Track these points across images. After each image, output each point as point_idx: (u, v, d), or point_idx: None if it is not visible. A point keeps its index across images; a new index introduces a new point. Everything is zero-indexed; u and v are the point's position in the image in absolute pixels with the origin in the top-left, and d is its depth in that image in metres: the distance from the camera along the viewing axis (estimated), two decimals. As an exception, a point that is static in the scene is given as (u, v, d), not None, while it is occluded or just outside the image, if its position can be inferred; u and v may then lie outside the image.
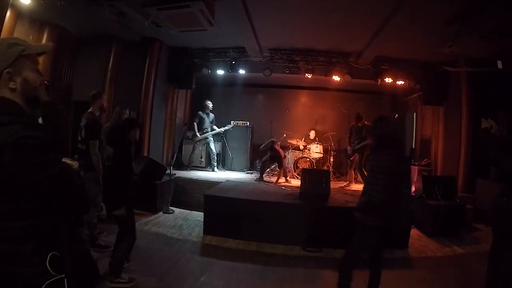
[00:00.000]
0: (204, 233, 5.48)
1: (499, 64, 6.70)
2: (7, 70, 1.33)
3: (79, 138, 4.68)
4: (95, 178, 4.43)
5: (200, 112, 9.13)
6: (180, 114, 9.75)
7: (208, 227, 5.49)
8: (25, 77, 1.38)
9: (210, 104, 9.16)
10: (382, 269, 3.28)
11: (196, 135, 8.91)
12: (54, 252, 1.30)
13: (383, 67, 8.74)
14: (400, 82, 8.90)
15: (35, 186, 1.26)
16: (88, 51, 7.39)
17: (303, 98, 11.40)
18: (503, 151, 2.98)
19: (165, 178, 6.91)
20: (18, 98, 1.36)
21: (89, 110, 4.74)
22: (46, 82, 1.51)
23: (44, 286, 1.26)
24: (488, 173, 6.72)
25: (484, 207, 6.54)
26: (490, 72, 7.11)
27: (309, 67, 8.70)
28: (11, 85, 1.34)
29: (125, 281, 3.63)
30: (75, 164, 4.96)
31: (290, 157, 9.63)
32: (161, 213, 6.59)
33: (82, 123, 4.64)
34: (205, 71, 8.95)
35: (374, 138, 3.30)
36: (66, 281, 1.32)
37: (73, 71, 7.22)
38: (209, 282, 3.92)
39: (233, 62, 8.79)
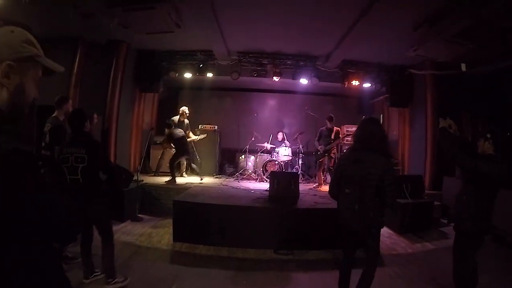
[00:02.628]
0: (174, 240, 5.35)
1: (463, 67, 7.06)
2: (9, 62, 1.13)
3: (43, 144, 4.49)
4: (63, 181, 4.27)
5: (174, 118, 8.68)
6: (147, 118, 9.53)
7: (178, 233, 5.37)
8: (23, 83, 1.18)
9: (186, 109, 8.77)
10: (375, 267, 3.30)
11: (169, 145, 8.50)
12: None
13: (350, 70, 8.98)
14: (366, 85, 9.18)
15: (18, 210, 1.10)
16: (53, 52, 6.80)
17: (271, 101, 11.49)
18: (460, 149, 3.12)
19: (133, 184, 6.72)
20: (4, 101, 1.13)
21: (53, 115, 4.57)
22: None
23: None
24: (454, 170, 6.99)
25: (451, 203, 6.84)
26: (454, 75, 7.43)
27: (277, 70, 8.76)
28: (5, 81, 1.12)
29: (121, 281, 3.75)
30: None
31: (258, 160, 9.65)
32: (129, 221, 6.40)
33: (47, 128, 4.46)
34: (172, 74, 8.81)
35: (358, 140, 3.29)
36: None
37: None
38: (179, 291, 3.84)
39: (201, 65, 8.72)
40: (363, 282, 3.18)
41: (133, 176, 6.81)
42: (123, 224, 6.17)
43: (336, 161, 8.38)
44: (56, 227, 1.19)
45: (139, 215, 6.65)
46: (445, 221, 6.92)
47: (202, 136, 9.05)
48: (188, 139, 8.67)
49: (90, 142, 3.67)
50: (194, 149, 9.37)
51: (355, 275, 3.26)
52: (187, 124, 8.87)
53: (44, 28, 6.35)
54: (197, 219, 5.36)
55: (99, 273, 3.83)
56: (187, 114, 8.82)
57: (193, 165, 8.62)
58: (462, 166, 3.25)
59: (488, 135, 3.22)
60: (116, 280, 3.71)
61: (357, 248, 3.32)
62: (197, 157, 9.39)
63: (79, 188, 3.46)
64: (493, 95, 7.55)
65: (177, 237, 5.37)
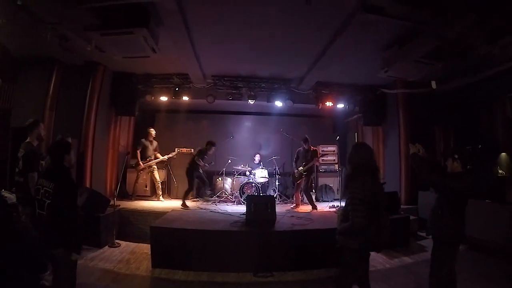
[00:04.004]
0: (152, 267, 5.27)
1: (433, 84, 7.38)
2: None
3: (17, 170, 4.42)
4: (33, 213, 4.16)
5: (143, 140, 8.89)
6: (123, 142, 9.44)
7: (156, 259, 5.31)
8: None
9: (153, 131, 8.99)
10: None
11: (139, 164, 8.67)
12: None
13: (324, 92, 9.26)
14: (340, 105, 9.45)
15: None
16: (29, 73, 6.92)
17: (247, 123, 11.60)
18: (432, 171, 3.46)
19: (109, 210, 6.61)
20: None
21: (26, 140, 4.50)
22: None
23: None
24: (428, 185, 7.27)
25: (427, 217, 7.07)
26: (425, 92, 7.81)
27: (252, 93, 8.95)
28: None
29: None
30: (12, 197, 4.65)
31: (235, 182, 9.71)
32: (106, 247, 6.24)
33: (20, 154, 4.39)
34: (148, 97, 8.83)
35: (352, 165, 3.38)
36: None
37: (12, 94, 6.76)
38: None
39: (177, 89, 8.78)
40: None
41: (109, 201, 6.72)
42: (100, 250, 6.02)
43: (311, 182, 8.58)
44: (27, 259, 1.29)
45: (116, 240, 6.49)
46: (423, 234, 7.06)
47: (171, 155, 9.11)
48: (157, 160, 8.85)
49: (62, 179, 3.32)
50: (170, 172, 9.33)
51: None
52: (155, 145, 9.00)
53: (21, 48, 6.37)
54: (175, 244, 5.33)
55: None
56: (154, 135, 9.00)
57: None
58: (436, 187, 3.61)
59: (456, 156, 3.58)
60: None
61: None
62: (174, 180, 9.34)
63: (44, 224, 3.19)
64: (462, 109, 7.98)
65: (155, 263, 5.29)
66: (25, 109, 6.57)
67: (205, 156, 8.58)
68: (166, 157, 9.02)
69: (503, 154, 6.40)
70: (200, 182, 8.79)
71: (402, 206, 7.67)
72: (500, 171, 6.29)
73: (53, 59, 7.00)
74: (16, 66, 6.75)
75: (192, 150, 9.72)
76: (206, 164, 8.63)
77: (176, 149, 9.37)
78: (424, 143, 3.93)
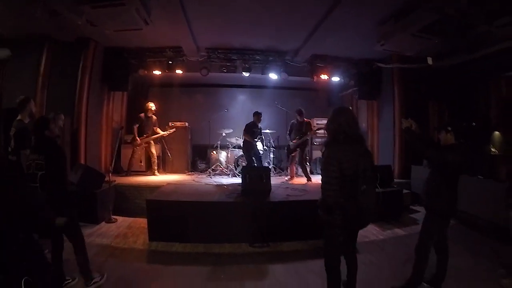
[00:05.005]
0: (149, 240, 5.34)
1: (429, 60, 7.37)
2: None
3: (9, 149, 4.40)
4: None
5: (141, 115, 8.78)
6: (117, 117, 9.36)
7: (153, 233, 5.37)
8: None
9: (152, 105, 8.84)
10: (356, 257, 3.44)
11: (136, 139, 8.61)
12: (26, 278, 1.26)
13: (319, 65, 9.15)
14: (335, 79, 9.40)
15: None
16: (19, 52, 6.70)
17: (241, 97, 11.53)
18: (426, 144, 3.51)
19: (105, 186, 6.62)
20: None
21: (17, 118, 4.46)
22: None
23: None
24: (421, 160, 7.33)
25: (419, 191, 7.18)
26: (420, 67, 7.77)
27: (246, 65, 8.83)
28: None
29: (98, 280, 3.82)
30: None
31: (230, 155, 9.74)
32: (103, 223, 6.29)
33: (12, 132, 4.36)
34: (141, 71, 8.69)
35: (330, 130, 3.09)
36: None
37: (3, 74, 6.60)
38: (159, 290, 3.87)
39: (170, 62, 8.64)
40: (355, 269, 3.41)
41: (104, 177, 6.73)
42: (97, 226, 6.08)
43: (305, 155, 8.62)
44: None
45: (113, 216, 6.54)
46: (415, 208, 7.24)
47: (171, 131, 9.08)
48: (156, 135, 8.80)
49: (50, 148, 3.54)
50: (165, 146, 9.33)
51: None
52: (154, 120, 8.90)
53: (10, 26, 6.18)
54: (171, 217, 5.36)
55: (70, 280, 3.78)
56: (154, 110, 8.85)
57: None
58: (430, 159, 3.64)
59: (449, 128, 3.58)
60: (94, 280, 3.76)
61: None
62: (169, 155, 9.35)
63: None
64: (458, 87, 7.95)
65: (152, 236, 5.36)
66: (16, 88, 6.44)
67: (255, 130, 8.49)
68: (166, 133, 8.97)
69: (496, 132, 6.45)
70: (256, 161, 8.53)
71: (395, 180, 7.73)
72: (492, 149, 6.35)
73: (44, 36, 6.83)
74: (5, 46, 6.54)
75: (187, 123, 9.70)
76: (256, 140, 8.52)
77: (170, 123, 9.33)
78: (418, 118, 3.96)
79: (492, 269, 4.26)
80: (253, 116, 8.56)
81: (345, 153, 2.91)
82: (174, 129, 9.15)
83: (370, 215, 3.03)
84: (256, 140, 8.50)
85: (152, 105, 8.83)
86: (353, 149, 2.95)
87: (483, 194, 5.81)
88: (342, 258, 3.24)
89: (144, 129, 8.73)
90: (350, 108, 3.60)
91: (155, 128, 8.88)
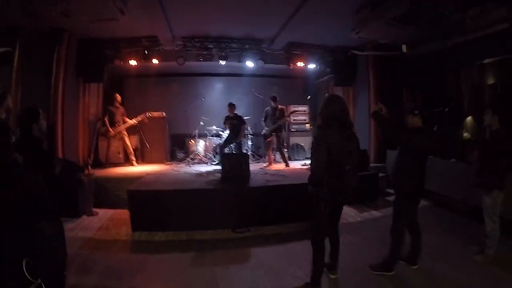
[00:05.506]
0: (132, 230, 5.36)
1: (404, 48, 7.53)
2: None
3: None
4: None
5: (109, 106, 8.78)
6: (93, 109, 9.19)
7: (135, 223, 5.39)
8: None
9: (118, 96, 8.85)
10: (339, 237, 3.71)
11: (109, 130, 8.58)
12: (26, 260, 1.31)
13: (295, 52, 9.23)
14: (311, 66, 9.55)
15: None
16: None
17: (218, 85, 11.55)
18: (392, 126, 3.69)
19: (84, 179, 6.50)
20: None
21: None
22: None
23: None
24: (391, 145, 7.56)
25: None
26: (395, 55, 7.96)
27: (223, 54, 8.85)
28: None
29: None
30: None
31: (208, 144, 9.83)
32: (84, 216, 6.24)
33: None
34: (117, 62, 8.59)
35: (322, 116, 3.41)
36: (44, 285, 1.33)
37: None
38: (145, 278, 3.93)
39: (146, 52, 8.54)
40: (338, 242, 3.70)
41: (83, 170, 6.69)
42: (79, 220, 6.03)
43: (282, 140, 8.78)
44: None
45: (94, 209, 6.50)
46: (391, 191, 7.38)
47: (139, 118, 9.00)
48: (126, 124, 8.80)
49: (31, 145, 3.37)
50: (143, 137, 9.29)
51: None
52: (122, 111, 8.92)
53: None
54: (153, 206, 5.40)
55: None
56: (119, 101, 8.90)
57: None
58: (396, 141, 3.82)
59: (416, 111, 3.75)
60: None
61: None
62: (147, 145, 9.32)
63: None
64: (431, 74, 8.18)
65: (135, 226, 5.38)
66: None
67: (229, 121, 8.69)
68: (133, 120, 8.91)
69: (469, 118, 6.68)
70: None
71: (371, 164, 8.00)
72: (465, 134, 6.60)
73: (16, 27, 6.57)
74: None
75: (164, 113, 9.65)
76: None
77: (147, 113, 9.27)
78: (392, 104, 4.13)
79: (465, 246, 4.49)
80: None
81: (334, 136, 3.26)
82: (141, 116, 9.04)
83: (352, 192, 3.44)
84: (224, 129, 8.75)
85: (118, 96, 8.86)
86: (341, 133, 3.30)
87: (455, 176, 6.07)
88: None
89: (114, 120, 8.68)
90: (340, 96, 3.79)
91: (124, 117, 8.85)
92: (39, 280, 1.34)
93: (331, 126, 3.31)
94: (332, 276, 3.74)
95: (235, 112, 8.66)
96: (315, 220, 3.54)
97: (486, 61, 7.06)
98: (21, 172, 1.43)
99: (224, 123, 8.77)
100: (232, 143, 8.66)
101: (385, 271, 3.81)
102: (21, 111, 3.67)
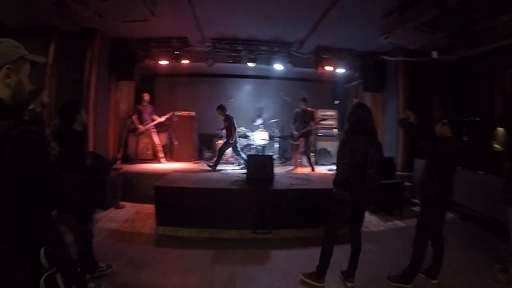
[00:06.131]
0: (157, 225, 5.53)
1: (434, 54, 7.31)
2: (7, 66, 1.42)
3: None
4: None
5: (137, 105, 9.06)
6: (124, 107, 9.50)
7: (160, 218, 5.55)
8: (21, 79, 1.49)
9: (146, 96, 9.08)
10: (361, 244, 3.78)
11: (138, 128, 8.82)
12: (45, 246, 1.40)
13: (324, 56, 9.10)
14: (340, 70, 9.40)
15: (29, 179, 1.36)
16: (26, 43, 6.69)
17: (247, 87, 11.58)
18: (420, 135, 3.66)
19: (113, 173, 6.80)
20: (8, 96, 1.43)
21: (30, 107, 4.62)
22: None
23: (41, 281, 1.34)
24: (420, 152, 7.38)
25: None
26: (425, 61, 7.75)
27: (252, 56, 8.87)
28: (7, 81, 1.43)
29: (104, 269, 3.83)
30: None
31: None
32: (112, 208, 6.51)
33: None
34: (148, 61, 8.79)
35: (350, 122, 3.63)
36: (60, 274, 1.42)
37: None
38: (165, 270, 4.06)
39: (176, 52, 8.71)
40: (359, 250, 3.77)
41: (112, 165, 6.92)
42: (106, 212, 6.28)
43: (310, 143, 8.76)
44: (60, 196, 1.51)
45: (121, 202, 6.76)
46: (417, 201, 7.26)
47: (168, 115, 9.19)
48: (154, 122, 9.00)
49: (70, 141, 3.50)
50: (172, 135, 9.50)
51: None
52: (151, 109, 9.14)
53: (17, 18, 6.24)
54: (178, 203, 5.54)
55: (105, 267, 3.87)
56: (147, 100, 9.10)
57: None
58: (424, 150, 3.75)
59: (445, 120, 3.68)
60: (98, 269, 3.78)
61: None
62: (175, 143, 9.51)
63: None
64: (462, 81, 7.96)
65: (159, 221, 5.54)
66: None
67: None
68: (162, 118, 9.11)
69: (500, 129, 6.44)
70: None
71: (398, 173, 7.84)
72: (495, 145, 6.36)
73: (51, 28, 6.93)
74: (12, 37, 6.61)
75: (193, 112, 9.83)
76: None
77: (176, 112, 9.45)
78: (421, 112, 4.06)
79: (489, 263, 4.30)
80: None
81: (359, 142, 3.45)
82: (169, 114, 9.25)
83: (374, 196, 3.54)
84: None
85: (146, 95, 9.10)
86: (366, 139, 3.47)
87: (483, 189, 5.83)
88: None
89: (143, 118, 8.93)
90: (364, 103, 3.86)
91: (153, 116, 9.07)
92: (55, 268, 1.42)
93: (357, 131, 3.51)
94: (349, 284, 3.75)
95: (225, 113, 8.65)
96: (331, 219, 3.71)
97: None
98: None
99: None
100: (234, 144, 8.63)
101: (404, 283, 3.74)
102: (64, 102, 3.80)
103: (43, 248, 1.38)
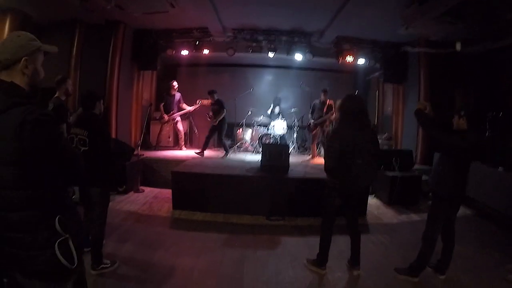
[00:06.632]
0: (173, 208, 5.74)
1: (458, 46, 7.18)
2: (25, 57, 1.60)
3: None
4: None
5: (165, 94, 9.24)
6: (146, 95, 9.78)
7: (177, 202, 5.75)
8: (36, 68, 1.67)
9: (175, 84, 9.21)
10: (359, 232, 3.84)
11: (164, 117, 9.02)
12: (59, 216, 1.59)
13: (344, 47, 9.03)
14: (361, 61, 9.26)
15: (47, 157, 1.55)
16: (52, 36, 6.97)
17: (267, 76, 11.60)
18: (435, 127, 3.60)
19: (134, 158, 7.01)
20: (26, 84, 1.61)
21: (55, 95, 4.86)
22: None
23: (56, 245, 1.55)
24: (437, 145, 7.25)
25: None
26: (448, 53, 7.61)
27: (272, 46, 8.91)
28: (26, 71, 1.61)
29: (108, 265, 3.69)
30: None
31: (255, 133, 10.00)
32: (132, 192, 6.77)
33: (50, 108, 4.76)
34: (169, 51, 8.97)
35: (340, 112, 3.64)
36: (71, 240, 1.61)
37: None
38: (178, 251, 4.23)
39: (197, 42, 8.85)
40: (359, 238, 3.80)
41: (134, 151, 7.14)
42: (126, 195, 6.54)
43: (327, 134, 8.74)
44: (73, 168, 1.69)
45: (140, 187, 7.01)
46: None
47: (196, 106, 9.38)
48: (182, 111, 9.20)
49: (94, 125, 3.56)
50: (192, 123, 9.69)
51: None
52: (179, 97, 9.28)
53: (42, 12, 6.55)
54: (194, 188, 5.72)
55: (109, 265, 3.73)
56: (176, 89, 9.22)
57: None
58: (439, 142, 3.69)
59: (462, 113, 3.57)
60: (102, 265, 3.65)
61: None
62: (195, 131, 9.71)
63: None
64: (486, 74, 7.72)
65: (176, 205, 5.75)
66: (51, 70, 6.83)
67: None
68: (191, 108, 9.31)
69: None
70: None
71: (416, 166, 7.70)
72: None
73: (75, 20, 7.26)
74: (39, 31, 6.84)
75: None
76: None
77: (198, 100, 9.61)
78: (443, 105, 3.95)
79: (501, 262, 4.18)
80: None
81: (348, 131, 3.47)
82: (198, 105, 9.41)
83: (361, 185, 3.64)
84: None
85: (175, 84, 9.20)
86: (355, 129, 3.47)
87: (502, 187, 5.63)
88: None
89: (170, 107, 9.12)
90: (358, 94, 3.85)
91: (181, 105, 9.25)
92: (67, 235, 1.60)
93: (346, 121, 3.55)
94: (355, 273, 3.80)
95: (216, 98, 8.74)
96: (324, 208, 3.86)
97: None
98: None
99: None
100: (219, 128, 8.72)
101: (410, 276, 3.73)
102: (85, 92, 3.94)
103: (57, 217, 1.57)
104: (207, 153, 8.87)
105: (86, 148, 3.42)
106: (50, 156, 1.55)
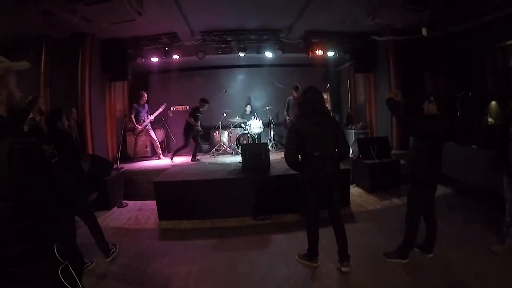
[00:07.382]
0: (159, 219, 5.68)
1: (424, 31, 7.37)
2: None
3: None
4: None
5: (134, 104, 9.14)
6: (119, 106, 9.62)
7: (162, 212, 5.70)
8: (10, 91, 1.57)
9: (144, 94, 9.19)
10: (343, 225, 3.79)
11: (136, 127, 8.95)
12: (56, 244, 1.56)
13: (313, 40, 9.16)
14: (330, 53, 9.42)
15: (38, 184, 1.50)
16: (18, 54, 6.59)
17: (239, 77, 11.67)
18: (405, 114, 3.71)
19: (114, 173, 6.94)
20: (3, 111, 1.52)
21: (29, 117, 4.75)
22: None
23: (59, 272, 1.52)
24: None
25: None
26: (414, 39, 7.80)
27: (241, 46, 8.96)
28: (0, 98, 1.52)
29: (114, 249, 4.33)
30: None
31: (232, 135, 10.03)
32: (115, 208, 6.62)
33: (25, 130, 4.65)
34: (139, 60, 8.87)
35: (299, 106, 3.77)
36: (70, 266, 1.59)
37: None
38: (171, 262, 4.20)
39: (167, 48, 8.80)
40: (342, 231, 3.75)
41: (113, 165, 7.05)
42: (110, 212, 6.40)
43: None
44: (64, 195, 1.68)
45: (123, 201, 6.88)
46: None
47: (159, 111, 9.32)
48: (148, 120, 9.14)
49: (58, 137, 3.93)
50: (168, 130, 9.63)
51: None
52: (147, 108, 9.27)
53: (6, 29, 6.30)
54: (178, 196, 5.69)
55: (89, 263, 4.00)
56: (145, 98, 9.23)
57: None
58: (410, 129, 3.83)
59: (431, 98, 3.69)
60: (112, 251, 4.26)
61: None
62: (172, 138, 9.65)
63: None
64: (453, 57, 7.92)
65: (162, 216, 5.70)
66: (21, 89, 6.64)
67: (198, 114, 8.74)
68: (156, 113, 9.26)
69: (493, 102, 6.43)
70: (194, 143, 8.99)
71: (393, 151, 7.89)
72: (489, 119, 6.37)
73: (40, 36, 7.01)
74: (3, 50, 6.64)
75: (187, 106, 9.93)
76: (197, 124, 8.72)
77: (171, 107, 9.53)
78: (414, 90, 4.04)
79: (485, 236, 4.32)
80: (200, 101, 8.85)
81: (304, 123, 3.58)
82: (160, 109, 9.35)
83: (324, 177, 3.57)
84: (197, 124, 8.73)
85: (145, 94, 9.22)
86: (312, 121, 3.55)
87: (477, 163, 5.82)
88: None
89: (140, 117, 9.06)
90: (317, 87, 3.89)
91: (147, 115, 9.21)
92: (66, 262, 1.60)
93: (304, 114, 3.64)
94: (343, 269, 3.70)
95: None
96: (305, 205, 3.87)
97: (509, 42, 6.70)
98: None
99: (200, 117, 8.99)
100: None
101: (399, 258, 3.83)
102: (48, 112, 4.21)
103: (55, 245, 1.56)
104: (187, 160, 8.89)
105: (56, 159, 3.59)
106: (40, 183, 1.53)
